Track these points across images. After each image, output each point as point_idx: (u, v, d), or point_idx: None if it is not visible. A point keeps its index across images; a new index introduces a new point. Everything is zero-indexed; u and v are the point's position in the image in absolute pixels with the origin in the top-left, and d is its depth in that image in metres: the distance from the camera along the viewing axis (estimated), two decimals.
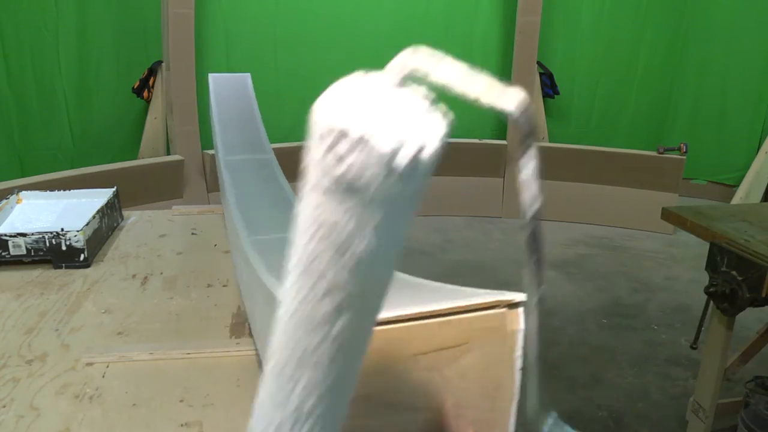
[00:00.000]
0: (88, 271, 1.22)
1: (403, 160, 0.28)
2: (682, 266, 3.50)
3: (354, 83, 0.31)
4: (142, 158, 3.78)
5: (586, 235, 4.05)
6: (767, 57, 4.52)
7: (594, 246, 3.87)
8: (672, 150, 3.98)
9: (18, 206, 1.44)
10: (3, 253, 1.20)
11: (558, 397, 2.30)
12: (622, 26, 4.50)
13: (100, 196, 1.44)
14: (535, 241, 0.38)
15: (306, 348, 0.33)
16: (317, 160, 0.29)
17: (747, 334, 2.14)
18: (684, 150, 4.02)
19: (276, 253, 0.82)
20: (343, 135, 0.28)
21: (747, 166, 4.41)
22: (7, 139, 3.56)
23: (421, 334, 0.50)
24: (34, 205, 1.45)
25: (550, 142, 4.32)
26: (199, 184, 3.83)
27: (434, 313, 0.50)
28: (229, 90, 1.59)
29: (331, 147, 0.28)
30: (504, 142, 4.29)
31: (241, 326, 1.01)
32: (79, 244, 1.21)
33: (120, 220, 1.49)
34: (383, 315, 0.48)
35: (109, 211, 1.40)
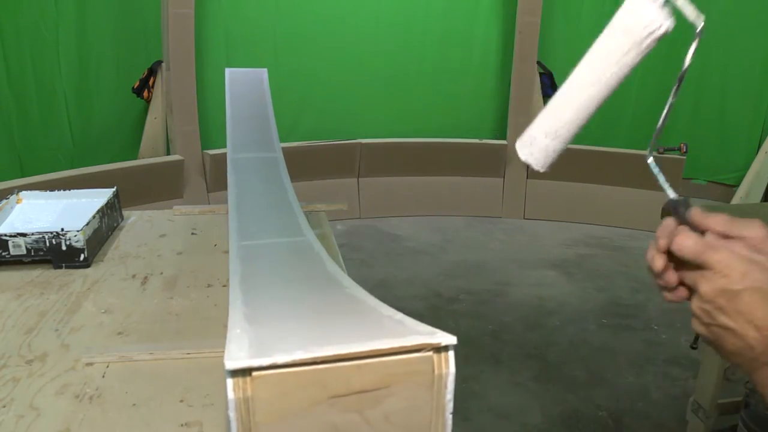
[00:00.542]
0: (88, 271, 1.22)
1: None
2: None
3: None
4: (142, 158, 3.78)
5: (586, 235, 4.05)
6: (767, 57, 4.52)
7: (594, 246, 3.87)
8: (672, 150, 3.98)
9: (18, 206, 1.44)
10: (3, 253, 1.20)
11: (558, 397, 2.30)
12: None
13: (100, 196, 1.44)
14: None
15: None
16: None
17: None
18: (684, 150, 4.02)
19: (259, 260, 0.83)
20: None
21: (747, 166, 4.41)
22: (7, 139, 3.56)
23: (337, 377, 0.47)
24: (34, 205, 1.45)
25: None
26: (199, 184, 3.83)
27: (350, 356, 0.46)
28: (245, 85, 1.58)
29: None
30: (504, 142, 4.29)
31: None
32: (79, 244, 1.21)
33: (120, 220, 1.49)
34: (294, 356, 0.45)
35: (109, 211, 1.40)
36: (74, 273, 1.21)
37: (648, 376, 2.46)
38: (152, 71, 3.78)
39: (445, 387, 0.50)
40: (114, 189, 1.48)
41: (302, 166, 3.45)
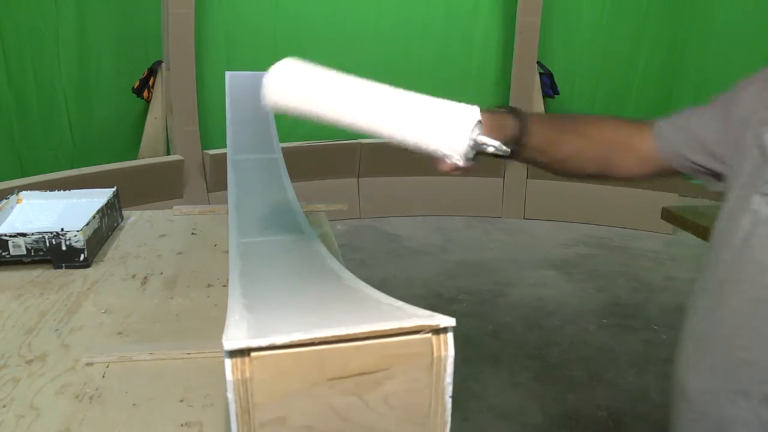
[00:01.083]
0: (88, 271, 1.22)
1: None
2: (682, 266, 3.50)
3: None
4: (142, 158, 3.78)
5: (586, 235, 4.05)
6: (767, 58, 4.52)
7: (594, 246, 3.87)
8: None
9: (18, 206, 1.44)
10: (3, 253, 1.20)
11: (558, 397, 2.30)
12: (623, 26, 4.50)
13: (100, 196, 1.44)
14: None
15: None
16: None
17: None
18: None
19: (259, 256, 0.83)
20: None
21: None
22: (7, 139, 3.56)
23: (336, 359, 0.47)
24: (34, 205, 1.45)
25: None
26: (199, 184, 3.83)
27: (349, 337, 0.46)
28: (245, 88, 1.59)
29: None
30: None
31: None
32: (79, 244, 1.21)
33: (120, 220, 1.49)
34: (292, 337, 0.45)
35: (109, 211, 1.40)
36: (74, 273, 1.21)
37: (648, 376, 2.46)
38: (152, 71, 3.78)
39: (445, 370, 0.49)
40: (114, 189, 1.48)
41: (302, 166, 3.45)
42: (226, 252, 1.33)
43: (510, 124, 0.77)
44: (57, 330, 0.99)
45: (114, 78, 3.82)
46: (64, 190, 1.50)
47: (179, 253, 1.33)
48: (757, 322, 0.67)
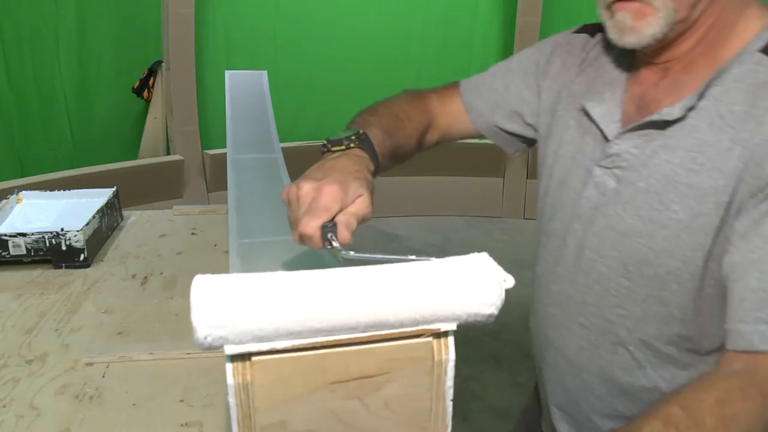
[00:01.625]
0: (88, 271, 1.22)
1: None
2: None
3: None
4: (142, 158, 3.78)
5: None
6: None
7: None
8: None
9: (18, 206, 1.44)
10: (3, 253, 1.20)
11: None
12: None
13: (100, 196, 1.44)
14: None
15: None
16: None
17: None
18: None
19: (259, 256, 0.83)
20: None
21: None
22: (7, 139, 3.56)
23: (337, 362, 0.46)
24: (34, 205, 1.45)
25: None
26: (199, 184, 3.83)
27: (350, 341, 0.46)
28: (244, 87, 1.58)
29: None
30: None
31: None
32: (79, 244, 1.21)
33: (120, 220, 1.49)
34: (294, 341, 0.45)
35: (109, 211, 1.40)
36: (74, 273, 1.21)
37: None
38: (152, 71, 3.78)
39: (445, 373, 0.49)
40: (114, 189, 1.48)
41: (302, 166, 3.42)
42: (226, 252, 1.33)
43: (369, 166, 0.72)
44: (57, 330, 0.99)
45: (114, 78, 3.82)
46: (64, 190, 1.50)
47: (179, 253, 1.33)
48: (627, 281, 0.75)
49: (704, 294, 0.70)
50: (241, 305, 0.43)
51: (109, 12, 3.71)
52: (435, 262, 0.49)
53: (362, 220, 0.64)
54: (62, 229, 1.21)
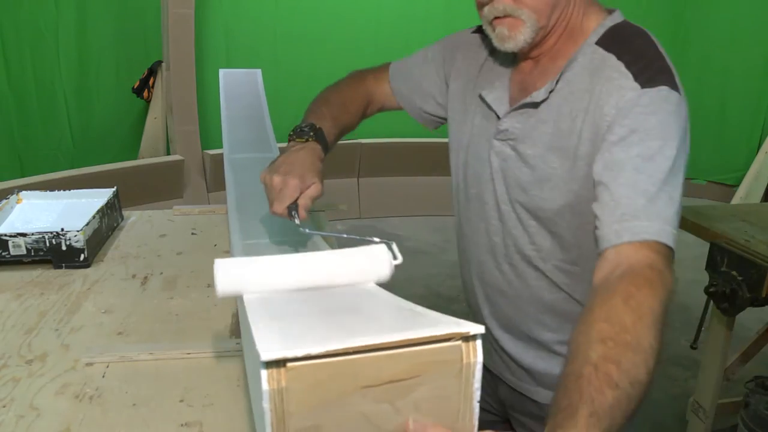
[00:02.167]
0: (88, 271, 1.22)
1: None
2: (682, 266, 3.49)
3: None
4: (142, 158, 3.78)
5: None
6: (767, 57, 4.52)
7: None
8: None
9: (18, 206, 1.44)
10: (3, 253, 1.20)
11: None
12: None
13: (100, 196, 1.44)
14: None
15: None
16: None
17: (747, 334, 2.14)
18: None
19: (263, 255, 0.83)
20: None
21: (747, 166, 4.41)
22: (7, 139, 3.56)
23: (369, 367, 0.47)
24: (34, 205, 1.45)
25: None
26: (199, 184, 3.83)
27: (383, 346, 0.47)
28: (239, 86, 1.58)
29: None
30: None
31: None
32: (79, 244, 1.21)
33: (120, 220, 1.49)
34: (328, 346, 0.46)
35: (109, 211, 1.40)
36: (74, 273, 1.21)
37: None
38: (152, 71, 3.78)
39: (473, 375, 0.50)
40: (114, 189, 1.48)
41: None
42: (227, 252, 1.33)
43: (321, 156, 1.03)
44: (57, 330, 0.99)
45: (114, 78, 3.82)
46: (64, 190, 1.50)
47: (179, 253, 1.33)
48: (535, 223, 0.96)
49: (583, 224, 0.89)
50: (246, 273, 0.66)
51: (109, 12, 3.72)
52: (361, 249, 0.69)
53: (315, 199, 0.93)
54: (62, 229, 1.21)
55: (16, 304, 1.08)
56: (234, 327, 1.01)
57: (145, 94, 3.80)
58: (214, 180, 3.79)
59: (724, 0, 4.54)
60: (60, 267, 1.22)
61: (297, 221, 0.89)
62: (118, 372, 0.88)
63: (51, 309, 1.06)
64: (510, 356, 1.08)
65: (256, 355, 0.46)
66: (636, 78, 0.84)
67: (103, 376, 0.87)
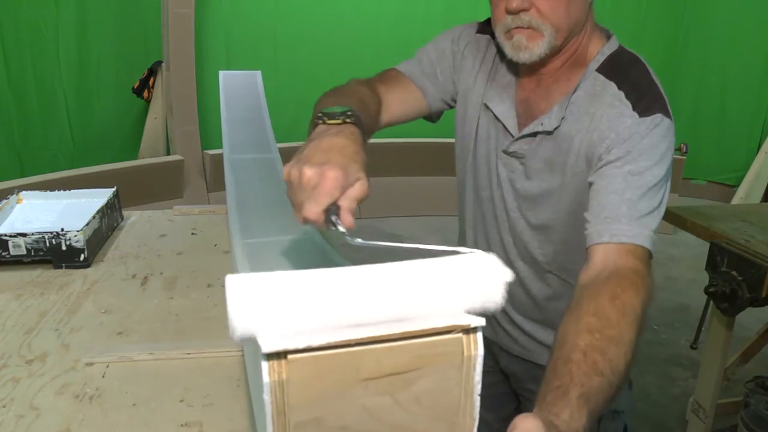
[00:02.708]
0: (88, 271, 1.22)
1: None
2: (682, 266, 3.50)
3: None
4: (142, 158, 3.78)
5: None
6: (767, 57, 4.52)
7: None
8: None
9: (18, 206, 1.44)
10: (3, 253, 1.20)
11: None
12: (622, 26, 4.50)
13: (100, 196, 1.44)
14: None
15: None
16: None
17: (747, 334, 2.15)
18: (684, 150, 4.02)
19: (265, 256, 0.83)
20: None
21: (747, 166, 4.41)
22: (7, 139, 3.56)
23: (370, 360, 0.47)
24: (34, 205, 1.45)
25: None
26: (199, 184, 3.83)
27: (384, 338, 0.47)
28: (239, 87, 1.58)
29: None
30: None
31: None
32: (79, 244, 1.21)
33: (120, 220, 1.49)
34: (329, 338, 0.46)
35: (109, 211, 1.40)
36: (74, 273, 1.21)
37: (648, 376, 2.46)
38: (152, 71, 3.78)
39: (474, 368, 0.50)
40: (114, 189, 1.48)
41: None
42: (227, 252, 1.33)
43: (363, 145, 0.75)
44: (57, 330, 0.99)
45: (114, 78, 3.82)
46: (64, 190, 1.50)
47: (179, 253, 1.33)
48: (539, 231, 1.05)
49: (581, 231, 0.92)
50: (275, 302, 0.47)
51: (109, 12, 3.72)
52: (449, 260, 0.51)
53: (361, 202, 0.66)
54: (62, 229, 1.21)
55: (16, 304, 1.08)
56: None
57: (145, 94, 3.80)
58: (214, 180, 3.79)
59: (724, 1, 4.54)
60: (60, 267, 1.22)
61: (341, 229, 0.63)
62: (118, 372, 0.88)
63: (51, 309, 1.06)
64: (523, 331, 1.15)
65: (257, 346, 0.45)
66: (635, 107, 0.92)
67: (103, 376, 0.87)
